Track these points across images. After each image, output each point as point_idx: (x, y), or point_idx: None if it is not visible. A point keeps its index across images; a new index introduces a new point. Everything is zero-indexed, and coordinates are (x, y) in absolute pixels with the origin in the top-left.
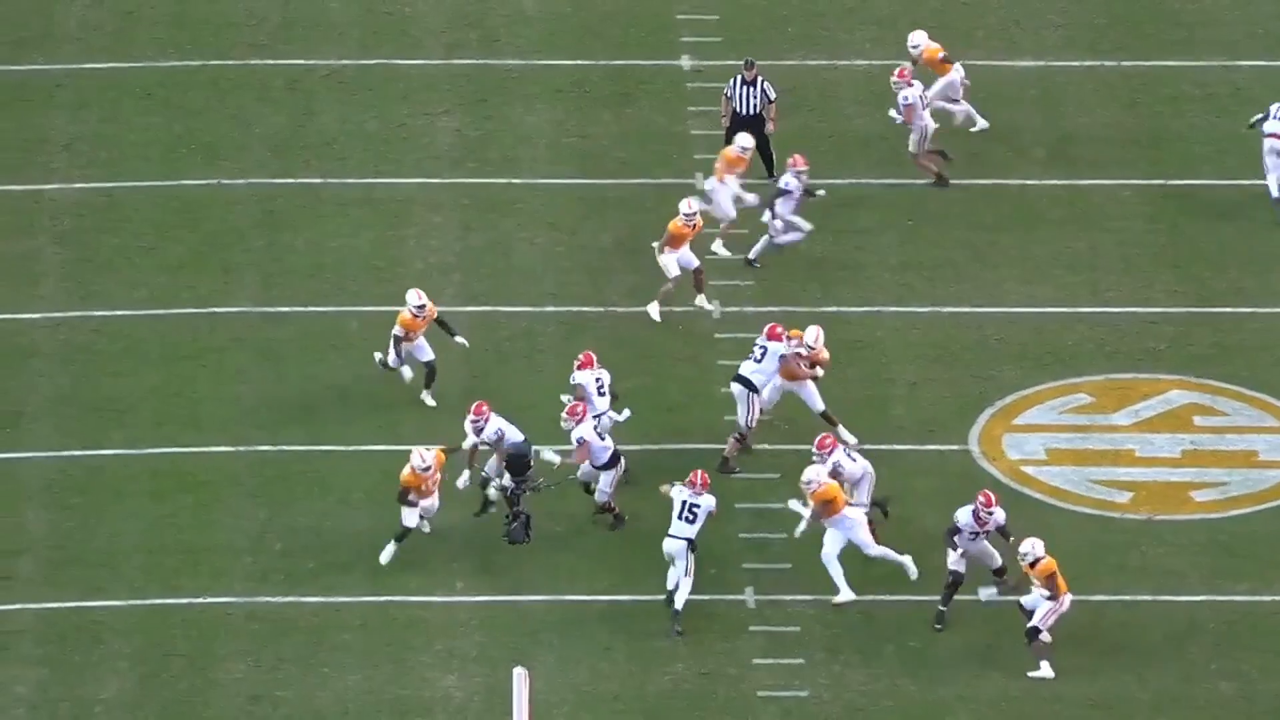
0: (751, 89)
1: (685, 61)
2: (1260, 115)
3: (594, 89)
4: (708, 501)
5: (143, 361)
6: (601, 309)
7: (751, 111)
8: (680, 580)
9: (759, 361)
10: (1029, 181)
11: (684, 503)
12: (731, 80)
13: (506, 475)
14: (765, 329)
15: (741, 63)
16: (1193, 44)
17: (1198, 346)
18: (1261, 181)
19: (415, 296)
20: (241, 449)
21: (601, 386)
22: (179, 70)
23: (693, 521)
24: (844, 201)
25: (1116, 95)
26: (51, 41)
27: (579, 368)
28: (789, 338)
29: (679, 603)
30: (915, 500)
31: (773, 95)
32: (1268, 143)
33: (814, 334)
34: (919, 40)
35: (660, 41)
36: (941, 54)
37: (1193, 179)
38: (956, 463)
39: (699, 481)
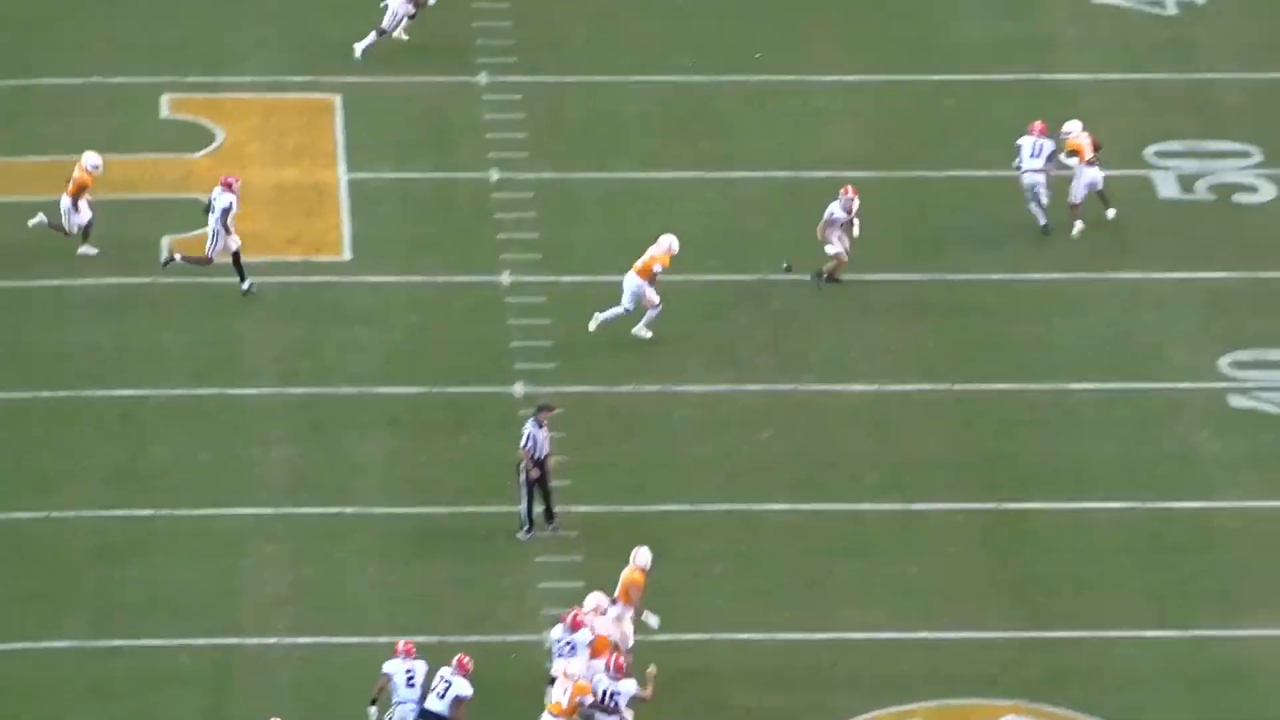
0: (541, 431)
1: (519, 389)
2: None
3: (428, 417)
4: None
5: None
6: (436, 639)
7: (542, 454)
8: None
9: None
10: (862, 506)
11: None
12: (527, 424)
13: None
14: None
15: (538, 407)
16: (1025, 367)
17: (1032, 670)
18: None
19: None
20: None
21: (411, 677)
22: (12, 402)
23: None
24: (679, 529)
25: (949, 419)
26: None
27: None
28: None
29: None
30: None
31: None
32: (1025, 178)
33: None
34: None
35: (494, 369)
36: None
37: (1025, 502)
38: None
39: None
